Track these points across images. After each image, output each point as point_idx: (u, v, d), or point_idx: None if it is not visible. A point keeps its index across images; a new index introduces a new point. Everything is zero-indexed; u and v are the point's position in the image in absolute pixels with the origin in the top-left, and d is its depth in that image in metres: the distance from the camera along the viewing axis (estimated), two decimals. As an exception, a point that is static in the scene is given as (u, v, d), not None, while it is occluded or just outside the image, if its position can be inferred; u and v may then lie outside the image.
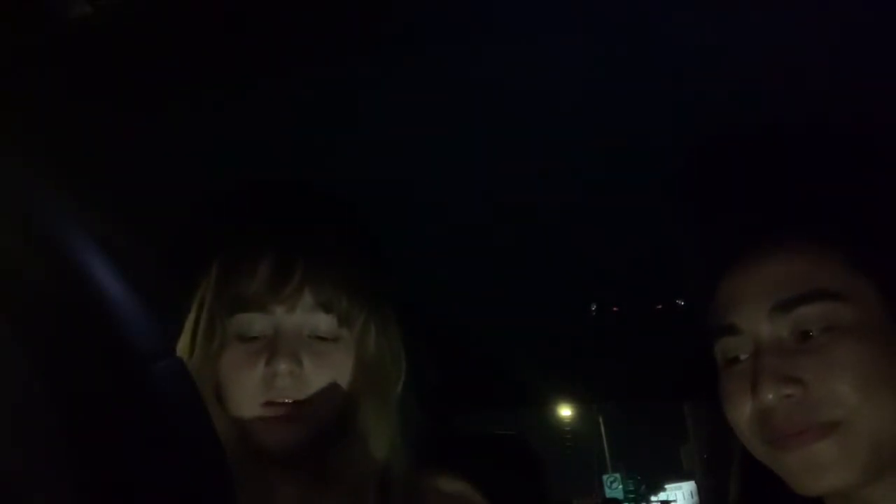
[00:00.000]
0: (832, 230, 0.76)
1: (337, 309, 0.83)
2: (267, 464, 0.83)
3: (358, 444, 0.85)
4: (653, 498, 17.30)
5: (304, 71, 0.76)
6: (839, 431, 0.69)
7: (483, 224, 1.07)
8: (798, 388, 0.70)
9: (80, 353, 0.37)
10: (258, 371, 0.81)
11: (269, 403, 0.80)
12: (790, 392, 0.70)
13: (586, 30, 0.72)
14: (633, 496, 17.14)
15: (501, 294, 1.33)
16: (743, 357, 0.75)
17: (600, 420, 17.06)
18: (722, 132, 0.85)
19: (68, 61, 0.70)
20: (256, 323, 0.82)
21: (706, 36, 0.73)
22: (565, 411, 15.81)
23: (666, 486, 16.87)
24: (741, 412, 0.74)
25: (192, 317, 0.85)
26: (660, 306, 1.39)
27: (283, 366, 0.80)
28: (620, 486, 16.60)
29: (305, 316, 0.82)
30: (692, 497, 13.69)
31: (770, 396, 0.71)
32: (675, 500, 15.51)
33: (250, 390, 0.81)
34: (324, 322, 0.83)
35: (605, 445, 17.39)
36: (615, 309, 1.42)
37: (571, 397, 3.29)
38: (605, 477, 16.89)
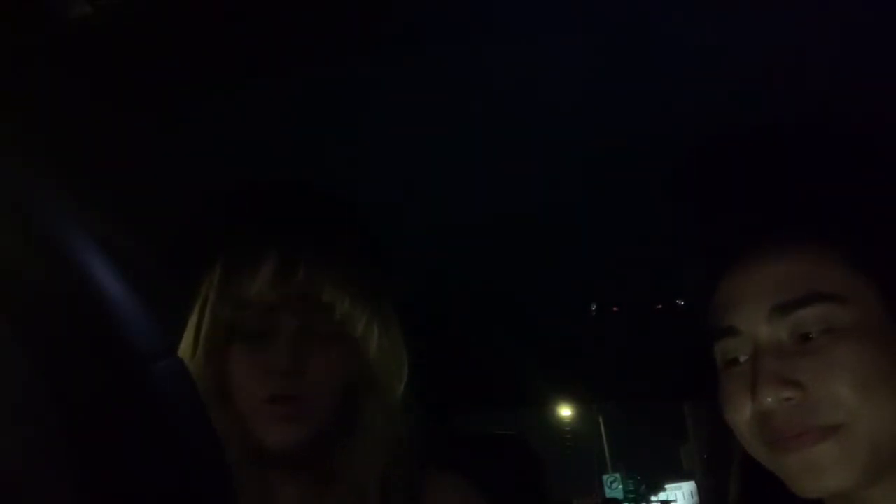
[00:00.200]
0: (832, 230, 0.75)
1: (339, 309, 0.83)
2: (268, 464, 0.83)
3: (359, 444, 0.85)
4: (653, 498, 17.29)
5: (304, 71, 0.76)
6: (839, 434, 0.68)
7: (483, 224, 1.07)
8: (797, 391, 0.70)
9: (81, 353, 0.37)
10: (260, 371, 0.81)
11: (270, 403, 0.81)
12: (789, 395, 0.70)
13: (586, 30, 0.72)
14: (633, 496, 17.13)
15: (501, 294, 1.33)
16: (742, 358, 0.75)
17: (600, 420, 17.06)
18: (722, 132, 0.85)
19: (68, 61, 0.70)
20: (259, 323, 0.82)
21: (706, 36, 0.73)
22: (565, 411, 15.83)
23: (666, 486, 16.86)
24: (741, 414, 0.74)
25: (194, 317, 0.85)
26: (660, 306, 1.39)
27: (285, 366, 0.80)
28: (620, 486, 16.59)
29: (307, 316, 0.83)
30: (692, 497, 13.68)
31: (769, 399, 0.70)
32: (675, 500, 15.50)
33: (252, 390, 0.81)
34: (326, 322, 0.83)
35: (605, 445, 17.39)
36: (615, 309, 1.42)
37: (571, 397, 3.29)
38: (605, 477, 16.89)
